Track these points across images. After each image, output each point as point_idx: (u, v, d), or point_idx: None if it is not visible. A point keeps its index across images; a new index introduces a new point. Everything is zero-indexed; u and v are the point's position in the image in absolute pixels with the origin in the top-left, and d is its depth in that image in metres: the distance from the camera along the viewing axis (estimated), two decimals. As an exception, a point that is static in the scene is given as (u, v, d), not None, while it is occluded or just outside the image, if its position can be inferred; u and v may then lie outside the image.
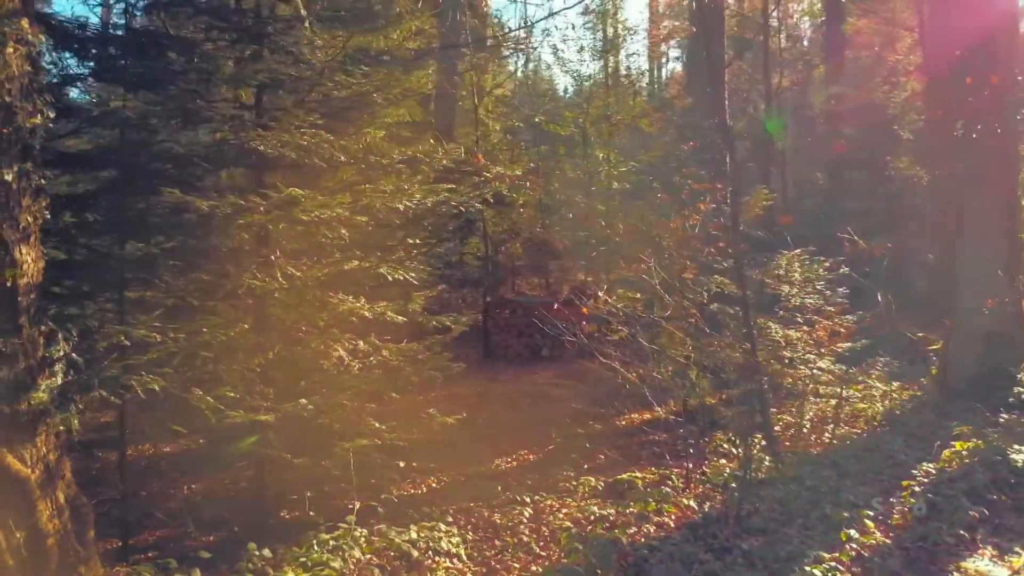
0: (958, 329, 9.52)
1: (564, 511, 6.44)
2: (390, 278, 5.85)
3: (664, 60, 30.10)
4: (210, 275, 5.83)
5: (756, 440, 8.09)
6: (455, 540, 5.66)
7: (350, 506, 6.74)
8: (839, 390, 8.90)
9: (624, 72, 23.04)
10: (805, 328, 8.77)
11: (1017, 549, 5.41)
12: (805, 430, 8.74)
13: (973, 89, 9.63)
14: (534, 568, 5.45)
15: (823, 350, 8.86)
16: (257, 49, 6.17)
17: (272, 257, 5.59)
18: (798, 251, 9.38)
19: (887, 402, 9.10)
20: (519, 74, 25.73)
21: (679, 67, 32.09)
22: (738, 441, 7.82)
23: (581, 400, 10.45)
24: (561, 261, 17.34)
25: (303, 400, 5.54)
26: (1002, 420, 7.99)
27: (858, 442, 7.98)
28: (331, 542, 5.01)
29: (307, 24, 5.95)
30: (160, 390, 4.77)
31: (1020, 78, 10.26)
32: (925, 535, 5.55)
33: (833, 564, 5.07)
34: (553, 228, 15.94)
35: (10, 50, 3.71)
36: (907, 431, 7.97)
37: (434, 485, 7.25)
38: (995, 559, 5.29)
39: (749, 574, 5.08)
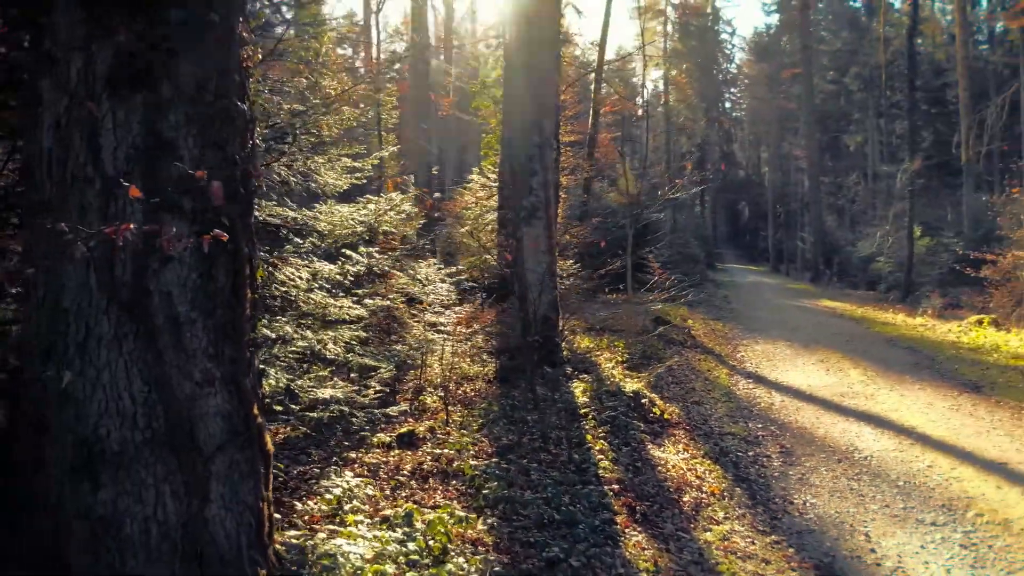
0: (527, 314, 13.40)
1: (393, 457, 7.74)
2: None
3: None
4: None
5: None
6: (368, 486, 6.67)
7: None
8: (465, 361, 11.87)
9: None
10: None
11: (667, 444, 9.14)
12: (452, 387, 11.34)
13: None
14: (439, 498, 6.86)
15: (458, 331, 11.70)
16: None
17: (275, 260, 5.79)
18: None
19: (490, 366, 12.36)
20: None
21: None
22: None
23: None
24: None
25: (340, 381, 5.91)
26: (568, 371, 12.03)
27: (503, 392, 10.91)
28: (346, 488, 5.75)
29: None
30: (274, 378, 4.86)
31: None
32: (626, 440, 8.82)
33: (608, 463, 7.95)
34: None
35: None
36: (529, 382, 11.27)
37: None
38: (659, 449, 8.92)
39: (573, 475, 7.55)
